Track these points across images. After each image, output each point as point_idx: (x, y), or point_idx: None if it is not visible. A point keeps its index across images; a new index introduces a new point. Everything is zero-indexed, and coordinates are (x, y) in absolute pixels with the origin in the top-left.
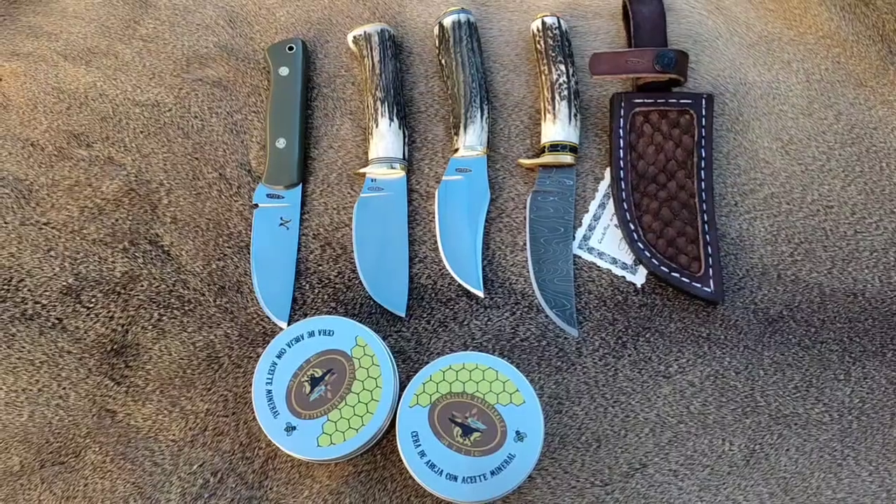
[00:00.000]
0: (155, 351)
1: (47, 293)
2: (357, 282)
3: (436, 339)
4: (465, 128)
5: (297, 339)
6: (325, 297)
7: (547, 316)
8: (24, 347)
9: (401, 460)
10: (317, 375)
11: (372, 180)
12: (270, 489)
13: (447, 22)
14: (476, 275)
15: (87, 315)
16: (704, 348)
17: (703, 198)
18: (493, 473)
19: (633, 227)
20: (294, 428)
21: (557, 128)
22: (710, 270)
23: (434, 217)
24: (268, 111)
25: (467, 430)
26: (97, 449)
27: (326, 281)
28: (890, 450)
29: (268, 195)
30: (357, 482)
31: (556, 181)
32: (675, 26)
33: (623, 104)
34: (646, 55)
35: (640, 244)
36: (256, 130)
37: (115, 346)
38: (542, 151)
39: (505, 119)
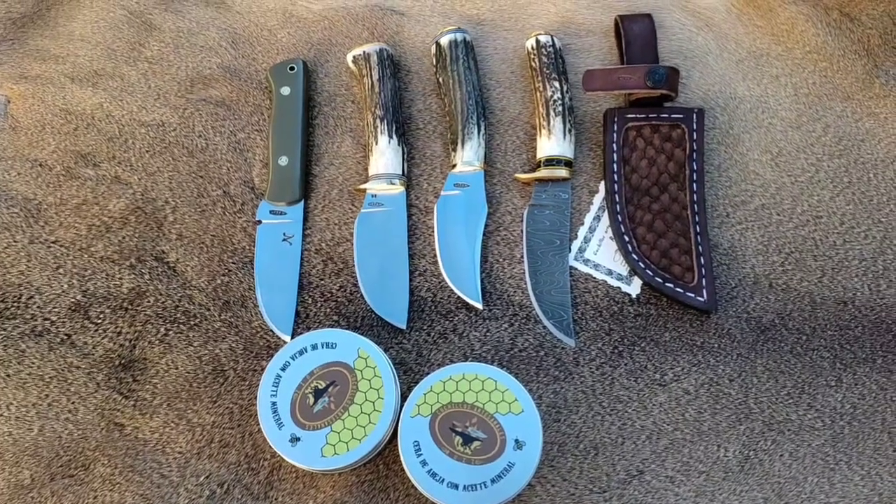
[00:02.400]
0: (162, 365)
1: (56, 310)
2: (358, 295)
3: (436, 350)
4: (463, 144)
5: (301, 352)
6: (328, 310)
7: (544, 327)
8: (33, 363)
9: (403, 469)
10: (320, 387)
11: (372, 196)
12: (276, 499)
13: (444, 41)
14: (475, 287)
15: (96, 331)
16: (699, 357)
17: (696, 209)
18: (493, 481)
19: (627, 238)
20: (298, 439)
21: (552, 143)
22: (703, 280)
23: (433, 231)
24: (270, 129)
25: (468, 439)
26: (106, 462)
27: (329, 295)
28: (881, 454)
29: (271, 211)
30: (360, 491)
31: (551, 195)
32: (666, 43)
33: (616, 119)
34: (637, 72)
35: (634, 255)
36: (259, 148)
37: (122, 361)
38: (537, 166)
39: (501, 135)
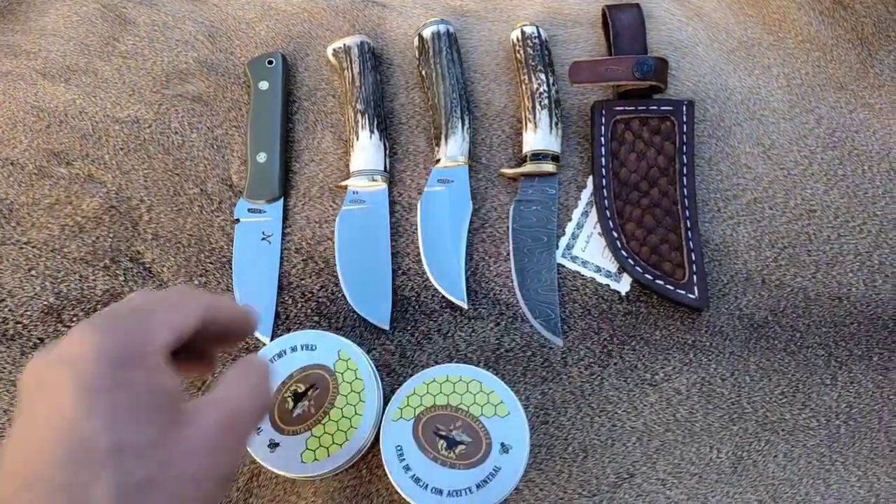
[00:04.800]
0: None
1: (28, 313)
2: (340, 295)
3: (420, 351)
4: (447, 138)
5: (280, 355)
6: (309, 311)
7: (532, 326)
8: (5, 369)
9: (386, 475)
10: (300, 391)
11: (354, 193)
12: None
13: (427, 33)
14: (460, 286)
15: None
16: (690, 355)
17: (686, 204)
18: (478, 486)
19: (616, 234)
20: (277, 444)
21: (539, 137)
22: (695, 277)
23: (417, 229)
24: (248, 125)
25: (452, 443)
26: None
27: (309, 295)
28: (878, 454)
29: (249, 210)
30: (343, 497)
31: (538, 190)
32: (655, 33)
33: (604, 112)
34: (625, 63)
35: (623, 252)
36: (237, 145)
37: None
38: (523, 161)
39: (486, 129)
